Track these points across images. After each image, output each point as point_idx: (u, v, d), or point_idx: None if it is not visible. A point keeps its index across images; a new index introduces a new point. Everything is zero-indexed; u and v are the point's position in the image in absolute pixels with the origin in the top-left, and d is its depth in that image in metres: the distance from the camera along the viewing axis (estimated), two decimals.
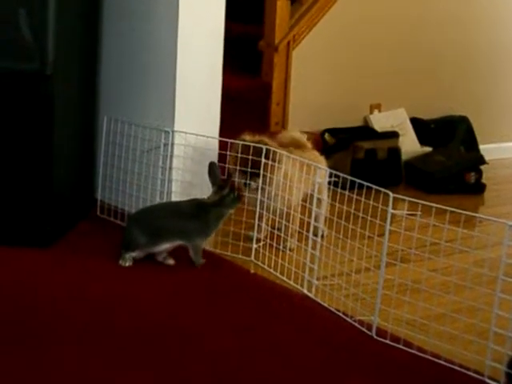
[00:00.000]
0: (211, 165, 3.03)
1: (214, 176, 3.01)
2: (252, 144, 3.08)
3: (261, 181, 3.10)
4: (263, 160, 3.06)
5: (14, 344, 2.28)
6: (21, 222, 3.05)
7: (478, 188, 4.48)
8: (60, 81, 2.97)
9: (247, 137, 3.15)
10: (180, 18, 3.21)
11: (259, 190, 3.10)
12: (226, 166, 3.17)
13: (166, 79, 3.29)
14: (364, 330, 2.51)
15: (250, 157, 3.07)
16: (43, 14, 2.85)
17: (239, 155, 3.10)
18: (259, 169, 3.08)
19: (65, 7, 2.94)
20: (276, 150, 3.08)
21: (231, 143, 3.18)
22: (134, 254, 2.93)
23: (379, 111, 4.77)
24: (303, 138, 3.42)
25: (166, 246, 2.95)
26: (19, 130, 2.97)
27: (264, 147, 3.06)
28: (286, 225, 3.15)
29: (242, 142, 3.11)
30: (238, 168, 3.10)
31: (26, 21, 2.85)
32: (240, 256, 3.10)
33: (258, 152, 3.07)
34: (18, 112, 2.96)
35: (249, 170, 3.09)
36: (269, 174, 3.09)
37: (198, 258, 2.97)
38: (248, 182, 3.11)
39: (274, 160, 3.07)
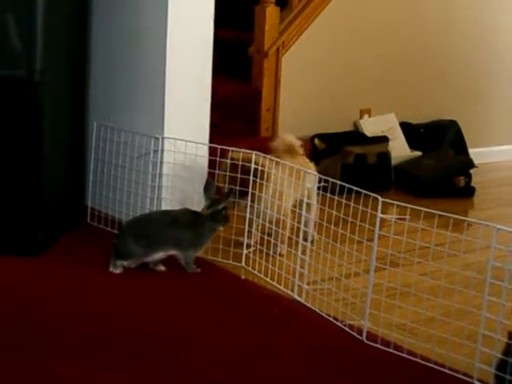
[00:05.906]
0: (208, 182, 3.04)
1: (209, 192, 3.01)
2: (240, 163, 3.07)
3: (250, 198, 3.10)
4: (252, 178, 3.06)
5: (4, 356, 2.27)
6: (11, 231, 3.04)
7: (468, 192, 4.49)
8: (48, 88, 2.97)
9: (236, 154, 3.12)
10: (169, 25, 3.22)
11: (249, 196, 3.11)
12: (216, 172, 3.17)
13: (156, 85, 3.29)
14: (354, 334, 2.51)
15: (239, 175, 3.07)
16: (31, 20, 2.85)
17: (228, 173, 3.10)
18: (248, 186, 3.08)
19: (53, 14, 2.94)
20: (264, 168, 3.08)
21: (220, 161, 3.18)
22: (125, 263, 2.92)
23: (369, 116, 4.78)
24: (297, 144, 3.42)
25: (159, 255, 2.94)
26: (7, 138, 2.97)
27: (252, 166, 3.06)
28: (276, 230, 3.16)
29: (230, 161, 3.10)
30: (226, 186, 3.07)
31: (14, 28, 2.86)
32: (231, 262, 3.10)
33: (247, 170, 3.07)
34: (5, 120, 2.96)
35: (237, 188, 3.08)
36: (258, 192, 3.09)
37: (191, 267, 2.98)
38: (237, 200, 3.10)
39: (262, 178, 3.07)
